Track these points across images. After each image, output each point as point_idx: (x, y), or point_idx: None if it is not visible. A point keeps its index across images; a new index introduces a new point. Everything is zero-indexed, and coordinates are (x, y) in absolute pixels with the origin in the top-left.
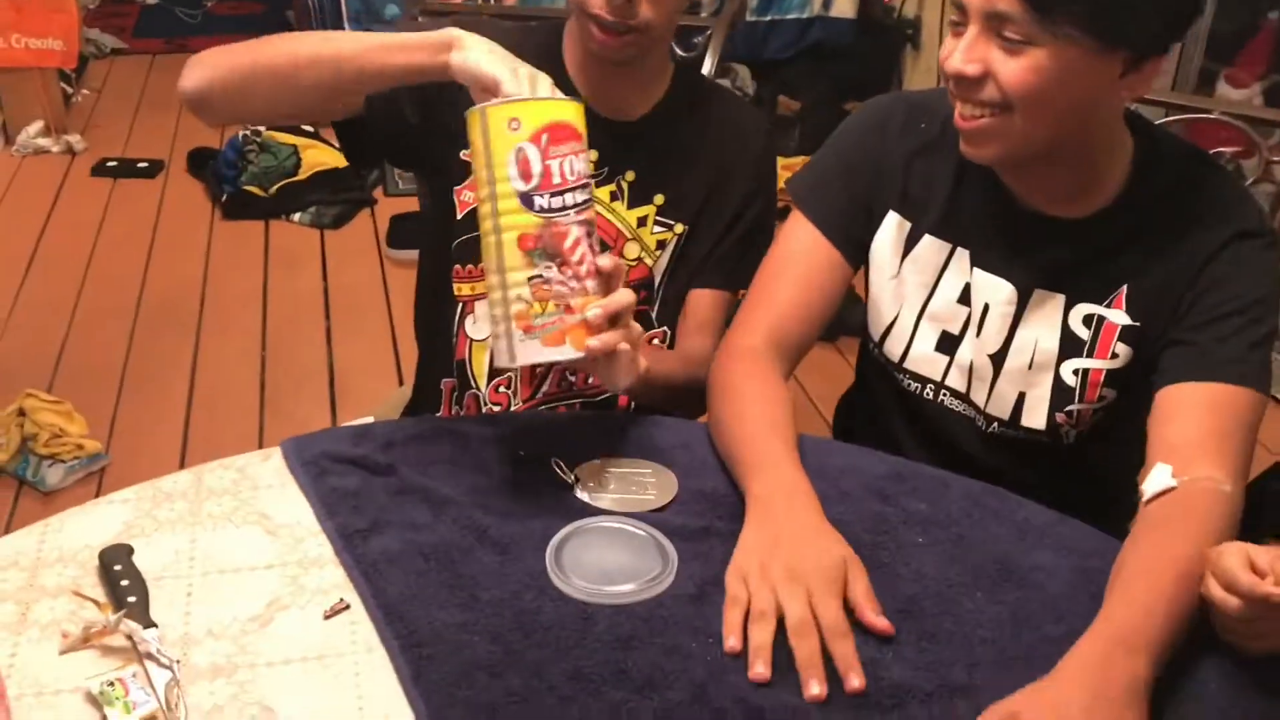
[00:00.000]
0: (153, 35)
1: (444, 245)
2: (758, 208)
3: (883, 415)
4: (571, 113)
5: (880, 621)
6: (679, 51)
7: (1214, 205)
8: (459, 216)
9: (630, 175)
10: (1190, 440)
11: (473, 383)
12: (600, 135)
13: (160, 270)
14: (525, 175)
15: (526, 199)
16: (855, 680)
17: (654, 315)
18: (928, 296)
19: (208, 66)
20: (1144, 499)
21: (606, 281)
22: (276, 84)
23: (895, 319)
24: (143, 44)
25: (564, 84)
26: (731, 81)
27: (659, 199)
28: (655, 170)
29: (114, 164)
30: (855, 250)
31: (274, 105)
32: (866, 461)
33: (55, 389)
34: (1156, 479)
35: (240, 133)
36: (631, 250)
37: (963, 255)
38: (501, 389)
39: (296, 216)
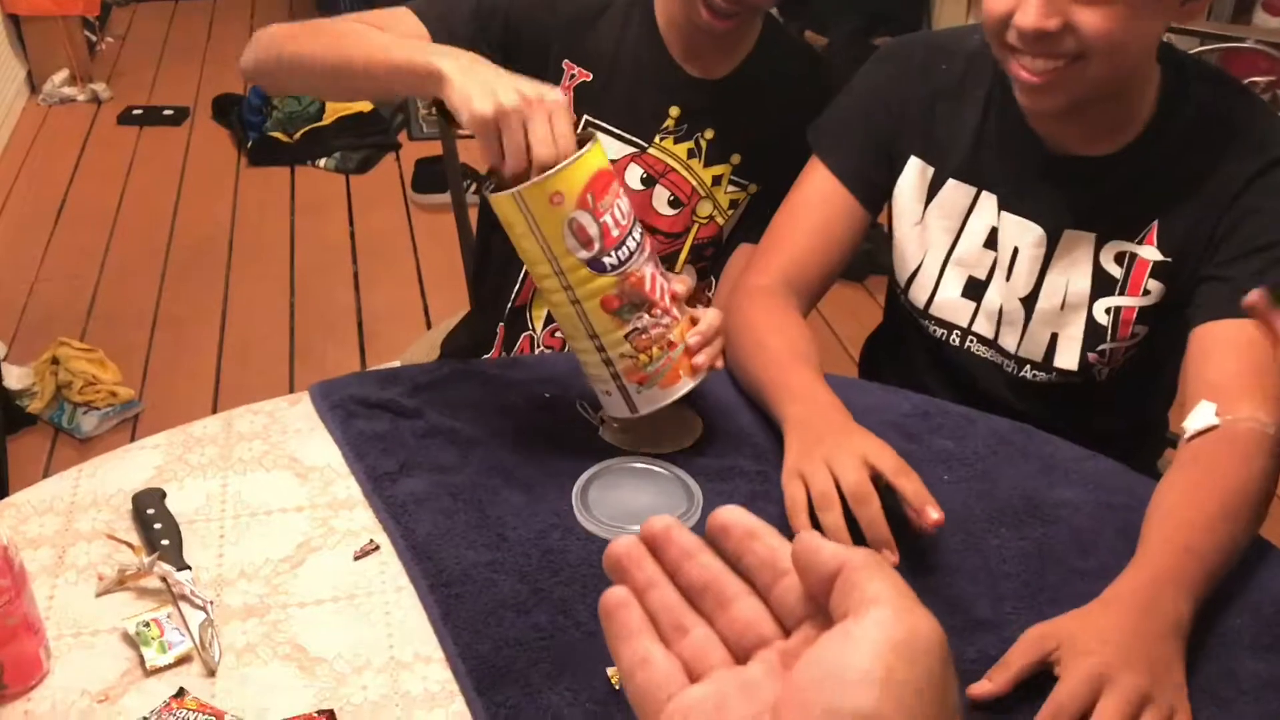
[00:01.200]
0: None
1: None
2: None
3: (910, 359)
4: (600, 157)
5: (934, 515)
6: None
7: (1245, 133)
8: None
9: (709, 133)
10: (1231, 379)
11: (530, 325)
12: (683, 92)
13: (188, 217)
14: (586, 243)
15: (595, 264)
16: (934, 513)
17: (712, 272)
18: (953, 242)
19: (259, 50)
20: (1186, 436)
21: (681, 302)
22: (305, 80)
23: (920, 265)
24: None
25: (651, 39)
26: None
27: (735, 158)
28: (734, 129)
29: (140, 112)
30: (873, 197)
31: (314, 93)
32: (892, 400)
33: (87, 337)
34: (1199, 417)
35: None
36: (704, 208)
37: (989, 199)
38: (557, 334)
39: (322, 162)
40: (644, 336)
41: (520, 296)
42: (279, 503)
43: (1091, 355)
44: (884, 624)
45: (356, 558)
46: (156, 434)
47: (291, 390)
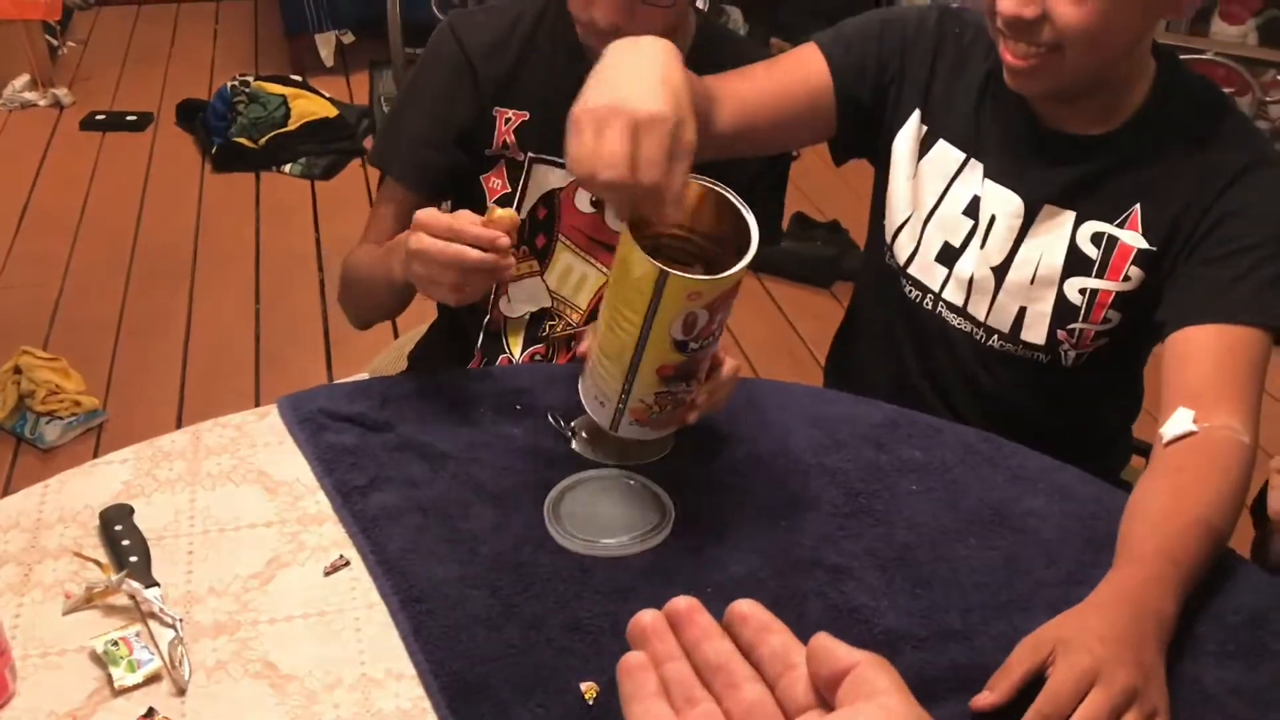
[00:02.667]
0: None
1: None
2: (780, 166)
3: (886, 327)
4: (742, 277)
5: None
6: None
7: (1233, 132)
8: (489, 203)
9: None
10: (1208, 386)
11: (506, 349)
12: None
13: (153, 224)
14: (687, 331)
15: (681, 345)
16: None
17: None
18: (936, 203)
19: (343, 305)
20: (1163, 441)
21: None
22: (369, 304)
23: (907, 221)
24: None
25: (580, 66)
26: (724, 23)
27: None
28: None
29: (102, 117)
30: (847, 101)
31: (390, 312)
32: (862, 410)
33: (51, 345)
34: (1177, 423)
35: (228, 83)
36: None
37: (975, 167)
38: (537, 358)
39: (287, 167)
40: (670, 398)
41: (492, 322)
42: (248, 518)
43: (1060, 332)
44: (891, 710)
45: (327, 573)
46: (124, 448)
47: (258, 398)
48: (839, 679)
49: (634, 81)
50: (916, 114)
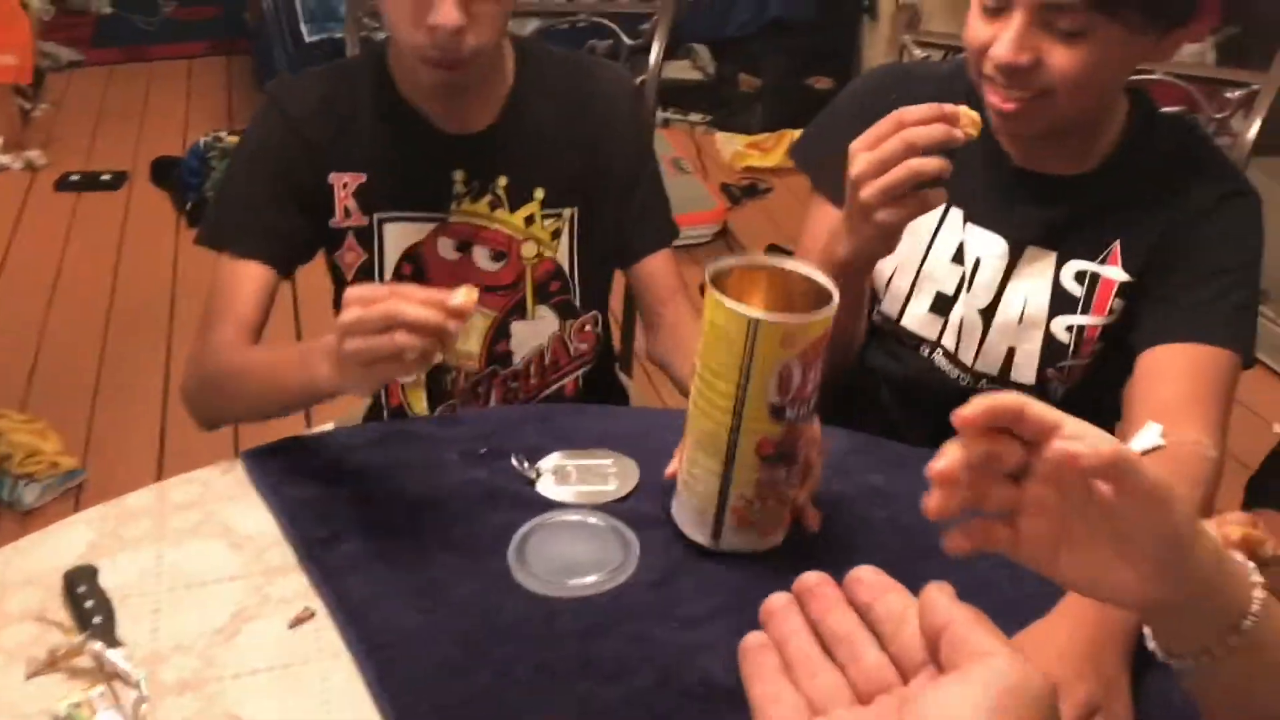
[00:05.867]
0: (110, 45)
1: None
2: (649, 166)
3: (870, 381)
4: (830, 323)
5: None
6: (626, 40)
7: (1207, 165)
8: (349, 279)
9: (503, 181)
10: (1178, 402)
11: (411, 414)
12: (459, 154)
13: (129, 282)
14: (782, 391)
15: (777, 410)
16: None
17: (577, 302)
18: (923, 257)
19: (194, 402)
20: None
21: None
22: (239, 408)
23: (891, 278)
24: (100, 54)
25: (408, 118)
26: (692, 61)
27: (539, 194)
28: (526, 168)
29: (77, 178)
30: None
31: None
32: (824, 439)
33: (29, 407)
34: (1146, 437)
35: (202, 140)
36: (529, 249)
37: (956, 214)
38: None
39: None
40: (771, 490)
41: (392, 397)
42: (214, 573)
43: (1050, 371)
44: (999, 671)
45: (292, 625)
46: (89, 509)
47: (237, 452)
48: (939, 636)
49: None
50: None
